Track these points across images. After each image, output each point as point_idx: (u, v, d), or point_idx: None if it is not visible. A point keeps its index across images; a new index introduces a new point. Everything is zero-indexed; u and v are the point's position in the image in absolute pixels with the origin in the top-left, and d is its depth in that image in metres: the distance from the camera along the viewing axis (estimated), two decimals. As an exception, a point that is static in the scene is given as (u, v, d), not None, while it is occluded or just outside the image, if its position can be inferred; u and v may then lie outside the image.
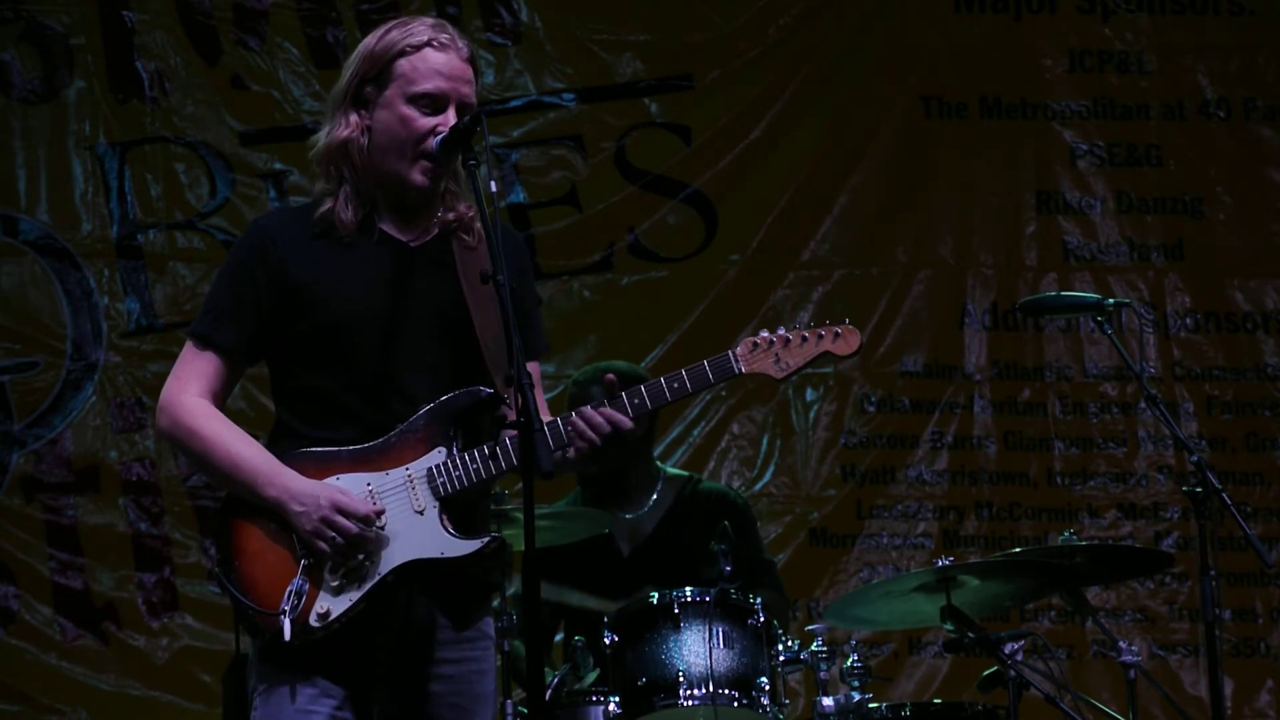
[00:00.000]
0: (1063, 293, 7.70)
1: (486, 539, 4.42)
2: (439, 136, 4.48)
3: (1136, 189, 8.89)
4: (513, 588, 6.50)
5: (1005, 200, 8.84)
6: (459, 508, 4.46)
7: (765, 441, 8.63)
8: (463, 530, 4.43)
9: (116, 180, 8.48)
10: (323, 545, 4.36)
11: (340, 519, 4.35)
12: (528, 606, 4.25)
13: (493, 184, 4.35)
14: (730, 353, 4.52)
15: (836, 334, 4.62)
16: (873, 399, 8.69)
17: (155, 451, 8.34)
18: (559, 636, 6.96)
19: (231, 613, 4.51)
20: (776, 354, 4.55)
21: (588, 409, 4.43)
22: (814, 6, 8.84)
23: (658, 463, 7.03)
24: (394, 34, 4.54)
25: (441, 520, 4.41)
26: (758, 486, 8.56)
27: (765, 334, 4.56)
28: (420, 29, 4.54)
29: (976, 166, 8.86)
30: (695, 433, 8.61)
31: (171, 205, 8.51)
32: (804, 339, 4.58)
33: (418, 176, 4.50)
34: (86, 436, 8.37)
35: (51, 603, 8.25)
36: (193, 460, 4.56)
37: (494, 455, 4.43)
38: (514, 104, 8.70)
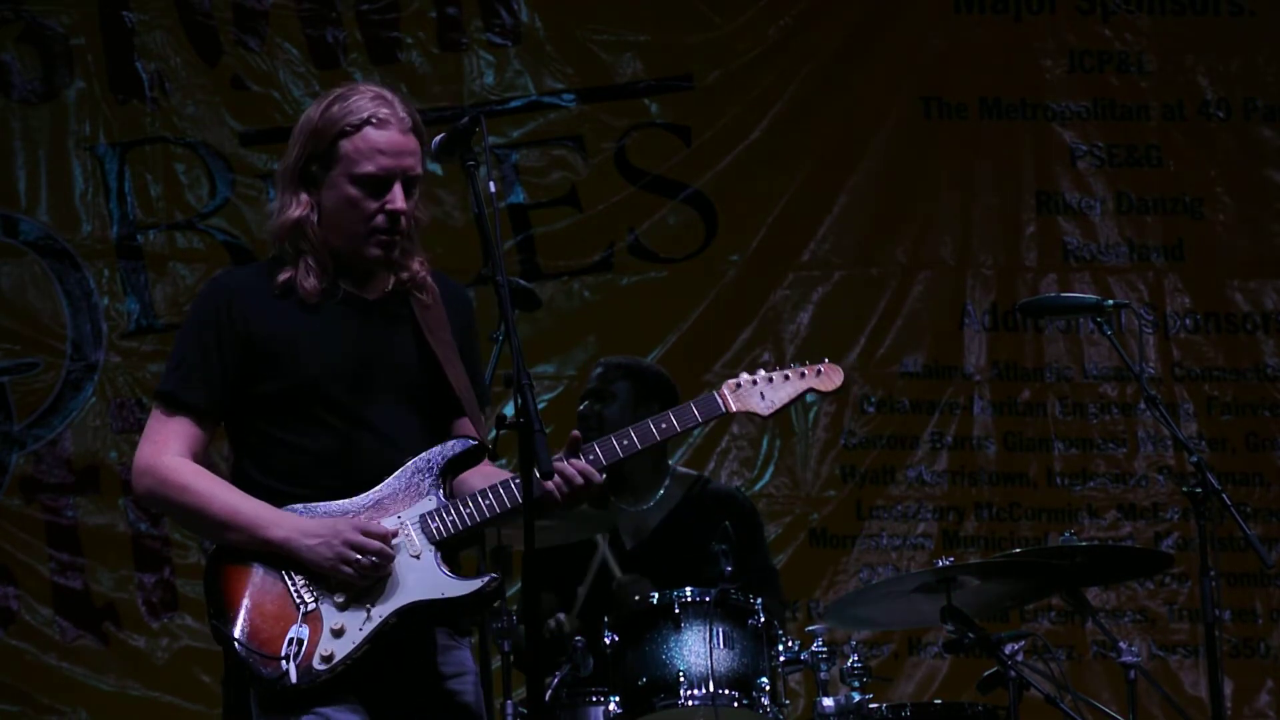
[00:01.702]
0: (1062, 293, 7.74)
1: (486, 579, 4.45)
2: (437, 139, 4.48)
3: (1136, 189, 8.89)
4: (513, 588, 6.51)
5: (1005, 200, 8.84)
6: (455, 551, 4.51)
7: (765, 442, 8.63)
8: (460, 571, 4.47)
9: (116, 180, 8.48)
10: (347, 569, 4.37)
11: (363, 538, 4.37)
12: (528, 606, 4.26)
13: (492, 184, 4.36)
14: (715, 394, 4.63)
15: (819, 371, 4.73)
16: (872, 400, 8.68)
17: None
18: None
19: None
20: (761, 392, 4.67)
21: (564, 465, 4.43)
22: (814, 7, 8.84)
23: (667, 460, 7.03)
24: (334, 110, 4.52)
25: (439, 563, 4.44)
26: (758, 487, 8.56)
27: (746, 375, 4.68)
28: (360, 104, 4.52)
29: (976, 166, 8.86)
30: (696, 433, 8.61)
31: (171, 205, 8.51)
32: (787, 377, 4.70)
33: (372, 251, 4.53)
34: (86, 437, 8.36)
35: (51, 603, 8.25)
36: (184, 516, 4.54)
37: (486, 499, 4.46)
38: (514, 104, 8.70)
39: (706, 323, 8.65)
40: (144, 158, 8.52)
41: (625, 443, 4.53)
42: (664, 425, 4.56)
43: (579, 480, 4.43)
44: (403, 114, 4.54)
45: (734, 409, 4.62)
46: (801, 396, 4.70)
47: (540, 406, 4.32)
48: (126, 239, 8.47)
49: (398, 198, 4.50)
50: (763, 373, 4.68)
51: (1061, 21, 8.91)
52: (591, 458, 4.48)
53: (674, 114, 8.78)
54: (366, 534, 4.38)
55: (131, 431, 8.35)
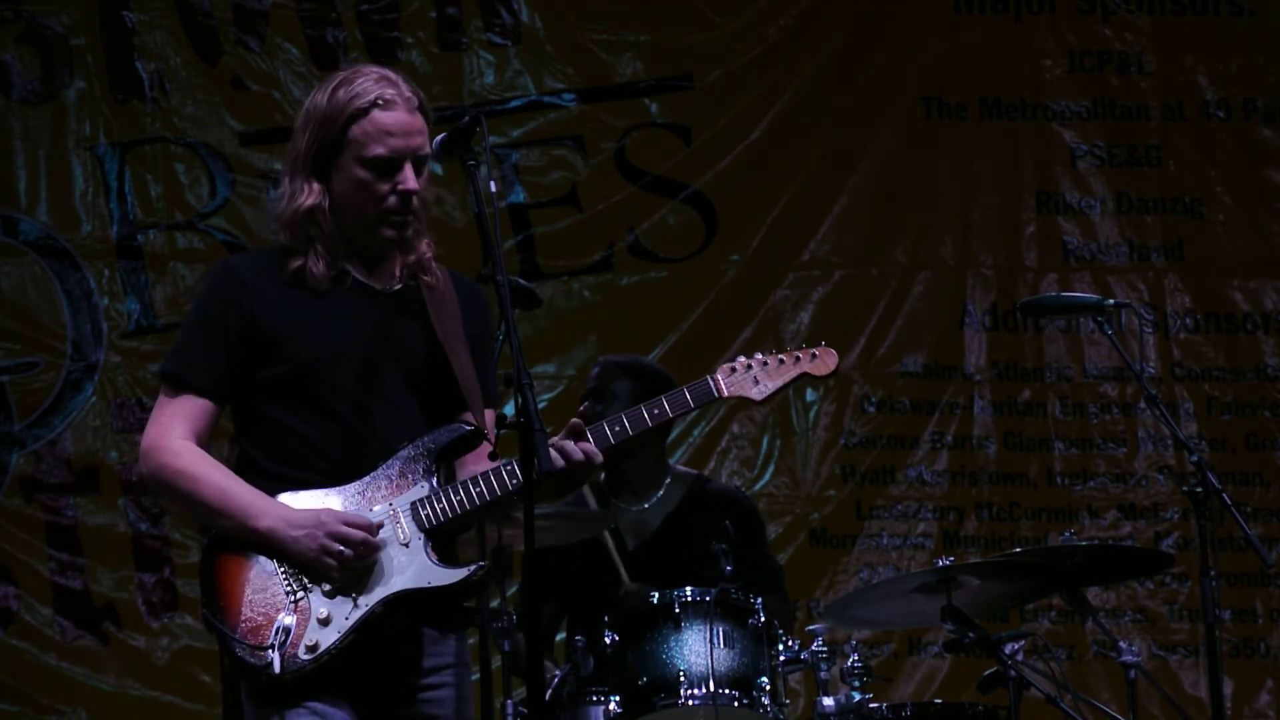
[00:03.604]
0: (1063, 293, 7.73)
1: (473, 567, 4.46)
2: (438, 138, 4.49)
3: (1136, 189, 8.89)
4: (513, 587, 6.49)
5: (1005, 200, 8.84)
6: (445, 538, 4.51)
7: (765, 441, 8.63)
8: (449, 559, 4.48)
9: (116, 180, 8.48)
10: (329, 561, 4.38)
11: (345, 530, 4.39)
12: (528, 606, 4.27)
13: (492, 184, 4.37)
14: (709, 378, 4.64)
15: (814, 355, 4.73)
16: (873, 399, 8.68)
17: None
18: (560, 635, 6.95)
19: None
20: (755, 377, 4.67)
21: (565, 442, 4.45)
22: (814, 7, 8.84)
23: (667, 460, 7.03)
24: (340, 94, 4.56)
25: (427, 551, 4.45)
26: (758, 486, 8.56)
27: (742, 359, 4.67)
28: (365, 87, 4.55)
29: (976, 166, 8.86)
30: (695, 432, 8.61)
31: (171, 205, 8.51)
32: (781, 361, 4.70)
33: (387, 233, 4.56)
34: (86, 437, 8.36)
35: (51, 603, 8.25)
36: (180, 501, 4.54)
37: (477, 486, 4.47)
38: (514, 104, 8.70)
39: (706, 323, 8.65)
40: (144, 158, 8.51)
41: (617, 428, 4.54)
42: (656, 410, 4.57)
43: (579, 456, 4.44)
44: (408, 93, 4.57)
45: (726, 394, 4.63)
46: (795, 381, 4.69)
47: (540, 406, 4.32)
48: (126, 239, 8.47)
49: (409, 178, 4.52)
50: (759, 356, 4.67)
51: (1061, 21, 8.91)
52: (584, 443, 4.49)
53: (674, 114, 8.78)
54: (349, 524, 4.39)
55: (131, 431, 8.34)
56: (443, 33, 8.68)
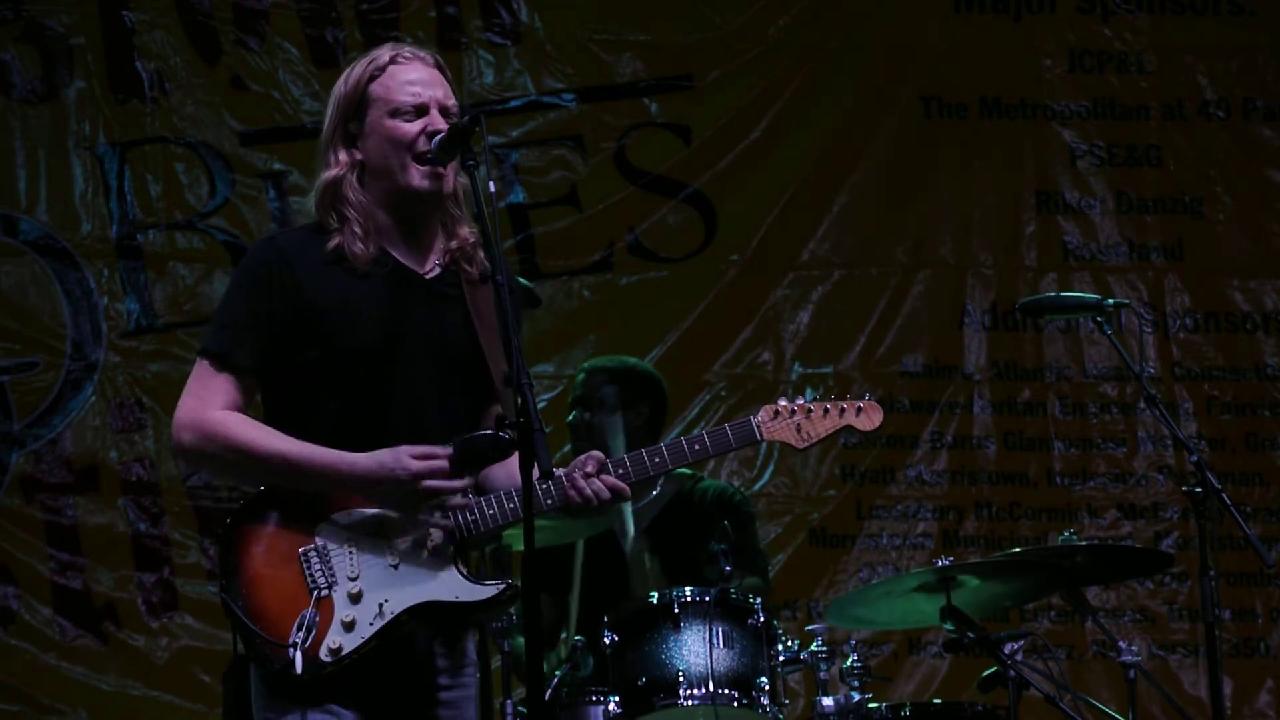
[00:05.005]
0: (1062, 293, 7.72)
1: (502, 586, 4.43)
2: (437, 137, 4.48)
3: (1136, 189, 8.89)
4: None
5: (1005, 200, 8.84)
6: (469, 550, 4.48)
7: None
8: (477, 575, 4.45)
9: (116, 180, 8.48)
10: (424, 489, 4.34)
11: (427, 480, 4.34)
12: (528, 606, 4.26)
13: (491, 184, 4.36)
14: (752, 419, 4.62)
15: (859, 409, 4.71)
16: (872, 399, 8.66)
17: (155, 452, 8.33)
18: (562, 635, 6.96)
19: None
20: (798, 423, 4.65)
21: (594, 480, 4.43)
22: (814, 6, 8.84)
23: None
24: (358, 69, 4.57)
25: (456, 563, 4.42)
26: (757, 486, 8.56)
27: (785, 403, 4.65)
28: (381, 52, 4.58)
29: (976, 166, 8.86)
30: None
31: (171, 205, 8.51)
32: (826, 410, 4.68)
33: (418, 181, 4.50)
34: (86, 436, 8.36)
35: (51, 603, 8.25)
36: (229, 467, 4.48)
37: (512, 502, 4.43)
38: (514, 104, 8.70)
39: (706, 323, 8.65)
40: (144, 157, 8.52)
41: (657, 460, 4.53)
42: (697, 447, 4.58)
43: (607, 496, 4.43)
44: (425, 54, 4.58)
45: (766, 437, 4.61)
46: (838, 433, 4.69)
47: (540, 406, 4.31)
48: (126, 239, 8.47)
49: (437, 120, 4.49)
50: (801, 402, 4.65)
51: (1061, 21, 8.92)
52: (621, 472, 4.47)
53: (674, 114, 8.78)
54: (426, 476, 4.34)
55: (131, 431, 8.35)
56: (442, 32, 8.68)
